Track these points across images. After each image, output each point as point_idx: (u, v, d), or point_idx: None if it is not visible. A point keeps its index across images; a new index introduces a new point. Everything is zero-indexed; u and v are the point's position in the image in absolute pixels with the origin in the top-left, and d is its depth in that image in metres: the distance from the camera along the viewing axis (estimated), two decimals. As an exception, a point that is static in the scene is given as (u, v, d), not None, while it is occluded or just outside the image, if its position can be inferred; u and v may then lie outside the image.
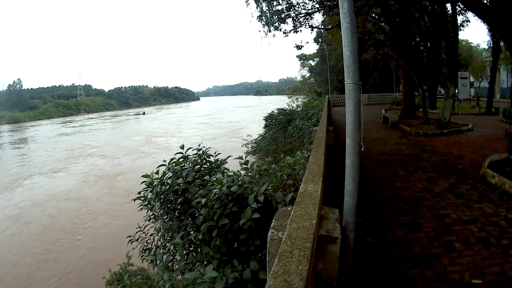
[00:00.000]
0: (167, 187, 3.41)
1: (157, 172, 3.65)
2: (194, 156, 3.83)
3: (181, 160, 3.75)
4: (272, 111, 22.23)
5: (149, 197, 3.63)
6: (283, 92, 69.21)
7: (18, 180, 22.38)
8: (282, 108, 23.31)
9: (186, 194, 3.32)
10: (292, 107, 29.82)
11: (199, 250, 3.31)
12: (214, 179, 3.29)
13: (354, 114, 2.39)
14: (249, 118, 51.87)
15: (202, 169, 3.75)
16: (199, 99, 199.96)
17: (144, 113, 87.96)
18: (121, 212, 14.82)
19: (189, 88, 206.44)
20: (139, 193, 3.82)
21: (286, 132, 16.77)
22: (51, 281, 9.98)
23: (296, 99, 35.01)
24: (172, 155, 3.94)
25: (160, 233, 3.72)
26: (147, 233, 4.01)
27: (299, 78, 45.89)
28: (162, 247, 3.82)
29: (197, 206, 3.06)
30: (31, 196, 18.61)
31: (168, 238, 3.79)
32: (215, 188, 2.97)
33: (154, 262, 3.75)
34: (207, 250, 2.94)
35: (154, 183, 3.54)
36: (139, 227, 3.96)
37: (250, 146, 20.94)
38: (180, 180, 3.29)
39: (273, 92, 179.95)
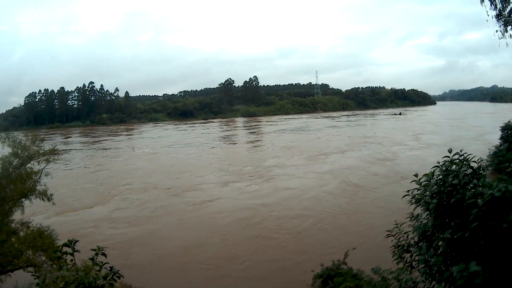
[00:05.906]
0: (441, 188, 3.81)
1: (431, 174, 4.02)
2: (457, 161, 4.02)
3: (448, 164, 3.98)
4: (509, 121, 22.24)
5: (421, 195, 4.10)
6: (523, 100, 60.50)
7: (323, 156, 35.34)
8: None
9: (455, 195, 3.62)
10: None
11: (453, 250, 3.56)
12: (480, 184, 3.60)
13: None
14: (490, 124, 52.99)
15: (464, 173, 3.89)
16: (435, 104, 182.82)
17: (400, 114, 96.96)
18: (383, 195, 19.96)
19: (424, 91, 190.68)
20: (408, 191, 4.27)
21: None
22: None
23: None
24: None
25: (421, 231, 4.02)
26: (402, 230, 4.41)
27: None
28: (415, 245, 4.12)
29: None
30: (333, 167, 29.54)
31: (430, 235, 3.94)
32: (483, 192, 3.30)
33: (401, 258, 4.17)
34: (467, 248, 3.36)
35: (431, 183, 3.97)
36: (396, 224, 4.45)
37: (494, 157, 21.28)
38: (455, 181, 3.66)
39: (508, 100, 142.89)
